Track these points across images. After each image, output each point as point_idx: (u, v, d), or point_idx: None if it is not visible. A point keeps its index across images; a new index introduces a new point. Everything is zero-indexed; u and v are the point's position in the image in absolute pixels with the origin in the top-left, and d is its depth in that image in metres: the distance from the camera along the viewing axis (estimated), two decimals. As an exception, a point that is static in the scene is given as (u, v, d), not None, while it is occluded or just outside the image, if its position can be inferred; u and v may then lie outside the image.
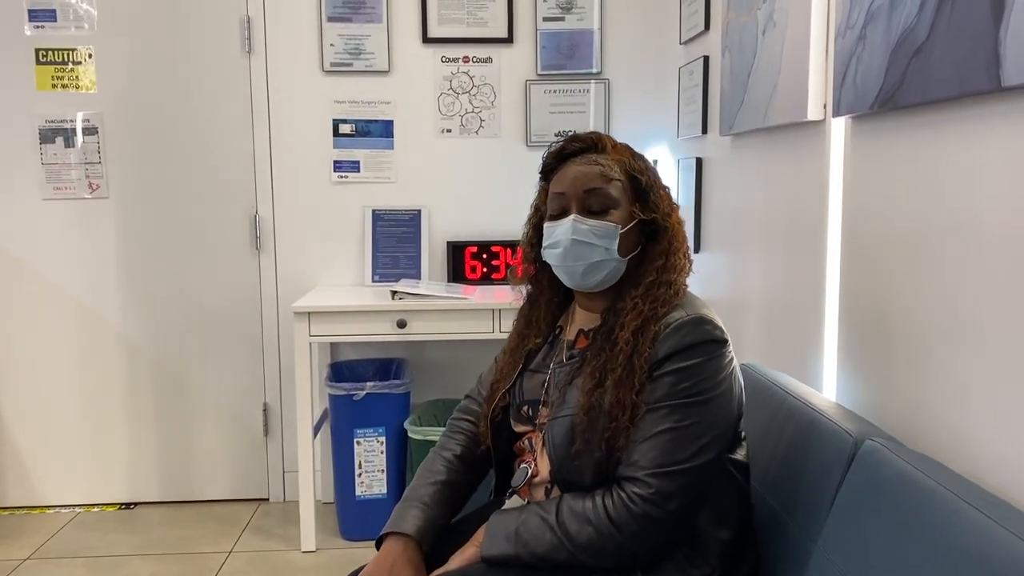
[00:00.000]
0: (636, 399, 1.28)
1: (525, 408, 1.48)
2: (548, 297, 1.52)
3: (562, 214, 1.39)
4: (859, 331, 1.58)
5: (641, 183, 1.39)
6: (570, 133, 1.47)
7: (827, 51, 1.69)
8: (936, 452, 1.27)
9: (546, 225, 1.42)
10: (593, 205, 1.37)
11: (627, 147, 1.44)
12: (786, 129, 1.92)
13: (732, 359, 1.34)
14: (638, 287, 1.35)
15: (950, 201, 1.26)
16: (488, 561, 1.33)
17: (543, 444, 1.41)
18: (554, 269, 1.43)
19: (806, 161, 1.82)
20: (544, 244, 1.42)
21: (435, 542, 1.43)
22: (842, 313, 1.65)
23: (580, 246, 1.36)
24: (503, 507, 1.43)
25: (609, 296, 1.41)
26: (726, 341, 1.32)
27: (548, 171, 1.45)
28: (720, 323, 1.33)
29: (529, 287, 1.54)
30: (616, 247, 1.36)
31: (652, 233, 1.40)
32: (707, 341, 1.29)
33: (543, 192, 1.48)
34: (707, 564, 1.32)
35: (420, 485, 1.49)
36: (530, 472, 1.43)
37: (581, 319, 1.47)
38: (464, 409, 1.62)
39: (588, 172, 1.38)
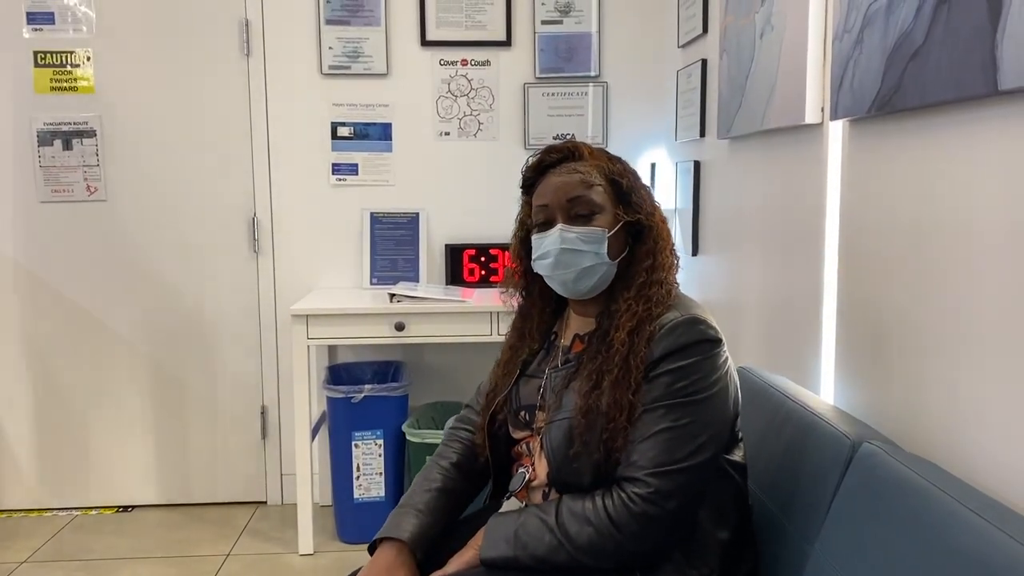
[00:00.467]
0: (633, 399, 1.29)
1: (523, 413, 1.48)
2: (540, 308, 1.52)
3: (548, 225, 1.40)
4: (857, 334, 1.58)
5: (622, 185, 1.40)
6: (547, 144, 1.49)
7: (824, 55, 1.69)
8: (933, 455, 1.27)
9: (534, 238, 1.43)
10: (578, 212, 1.38)
11: (603, 151, 1.46)
12: (784, 132, 1.93)
13: (727, 359, 1.34)
14: (630, 289, 1.36)
15: (947, 204, 1.26)
16: (487, 564, 1.33)
17: (541, 448, 1.41)
18: (546, 280, 1.44)
19: (804, 164, 1.82)
20: (534, 257, 1.43)
21: (429, 550, 1.43)
22: (840, 316, 1.65)
23: (569, 254, 1.37)
24: (500, 510, 1.43)
25: (602, 300, 1.41)
26: (720, 341, 1.33)
27: (529, 185, 1.46)
28: (714, 323, 1.34)
29: (520, 300, 1.55)
30: (605, 251, 1.37)
31: (637, 234, 1.41)
32: (702, 341, 1.30)
33: (526, 206, 1.48)
34: (706, 565, 1.32)
35: (416, 492, 1.49)
36: (528, 476, 1.44)
37: (576, 324, 1.47)
38: (463, 419, 1.63)
39: (569, 181, 1.39)
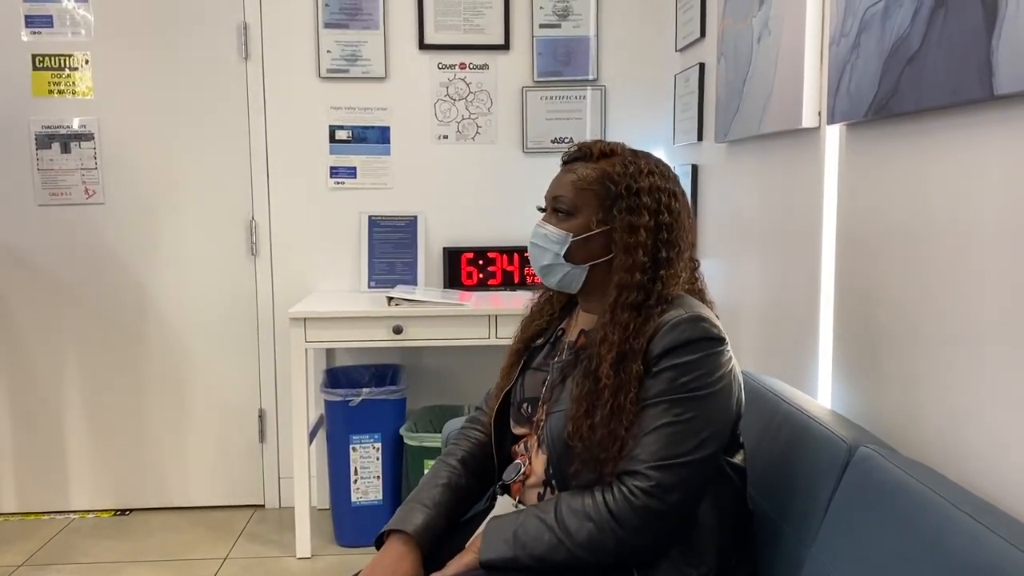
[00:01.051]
0: (626, 434, 1.28)
1: (524, 406, 1.49)
2: (556, 291, 1.55)
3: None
4: (853, 338, 1.58)
5: (611, 192, 1.38)
6: (578, 141, 1.52)
7: (821, 59, 1.70)
8: (929, 458, 1.27)
9: None
10: (557, 210, 1.42)
11: (625, 156, 1.41)
12: (781, 136, 1.93)
13: (731, 358, 1.34)
14: (605, 314, 1.34)
15: (944, 208, 1.27)
16: (486, 566, 1.32)
17: (539, 443, 1.42)
18: None
19: (801, 168, 1.82)
20: None
21: (434, 544, 1.43)
22: (836, 320, 1.66)
23: (535, 248, 1.44)
24: (495, 509, 1.44)
25: (599, 304, 1.40)
26: (724, 339, 1.33)
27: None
28: (717, 322, 1.34)
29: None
30: (565, 253, 1.39)
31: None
32: (704, 338, 1.30)
33: None
34: (703, 563, 1.32)
35: (424, 488, 1.50)
36: (523, 469, 1.44)
37: (583, 320, 1.49)
38: (472, 419, 1.65)
39: (563, 180, 1.43)
